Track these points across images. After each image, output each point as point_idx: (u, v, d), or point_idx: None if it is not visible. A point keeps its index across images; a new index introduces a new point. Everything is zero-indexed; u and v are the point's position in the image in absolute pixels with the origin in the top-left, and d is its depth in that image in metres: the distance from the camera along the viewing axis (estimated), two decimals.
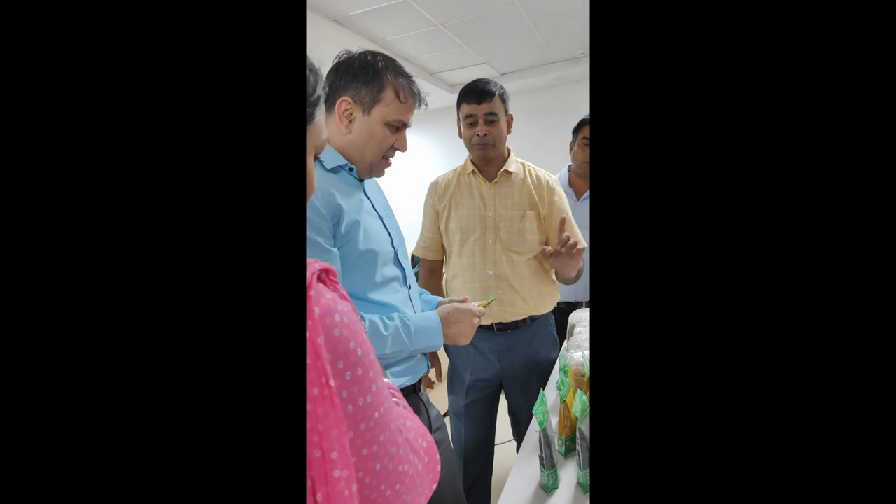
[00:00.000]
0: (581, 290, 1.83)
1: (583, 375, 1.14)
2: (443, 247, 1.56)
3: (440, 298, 1.18)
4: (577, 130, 1.89)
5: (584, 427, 0.89)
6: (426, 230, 1.57)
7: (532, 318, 1.48)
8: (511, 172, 1.47)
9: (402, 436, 0.48)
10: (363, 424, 0.43)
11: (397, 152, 1.02)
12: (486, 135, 1.40)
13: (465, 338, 1.02)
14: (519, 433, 1.62)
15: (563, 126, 3.48)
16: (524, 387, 1.49)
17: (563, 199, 1.53)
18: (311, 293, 0.40)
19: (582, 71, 4.06)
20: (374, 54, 0.98)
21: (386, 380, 0.53)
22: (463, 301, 1.10)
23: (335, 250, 0.91)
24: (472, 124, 1.42)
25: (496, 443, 1.62)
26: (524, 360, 1.49)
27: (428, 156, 5.02)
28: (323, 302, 0.41)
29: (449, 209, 1.49)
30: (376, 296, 0.97)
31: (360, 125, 0.97)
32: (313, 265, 0.42)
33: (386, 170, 1.03)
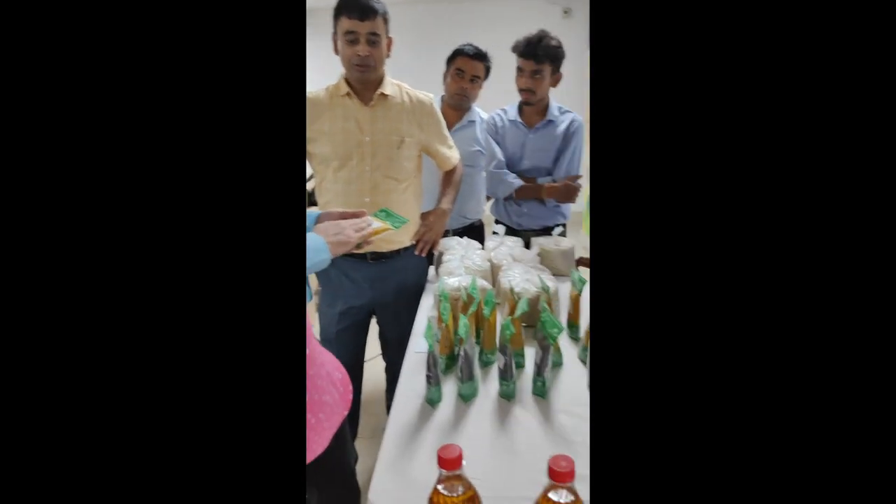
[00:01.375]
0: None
1: (457, 299, 1.24)
2: None
3: (319, 212, 1.13)
4: (450, 60, 1.88)
5: (468, 347, 0.99)
6: None
7: (405, 249, 1.53)
8: (387, 95, 1.42)
9: (325, 369, 0.50)
10: None
11: None
12: (367, 56, 1.33)
13: (345, 246, 0.99)
14: (388, 355, 1.71)
15: (423, 48, 3.40)
16: (395, 312, 1.56)
17: (440, 121, 1.55)
18: None
19: None
20: None
21: None
22: (360, 215, 1.07)
23: None
24: (353, 42, 1.32)
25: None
26: (396, 288, 1.54)
27: None
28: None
29: (320, 132, 1.40)
30: None
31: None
32: None
33: None
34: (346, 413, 0.58)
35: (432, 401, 1.00)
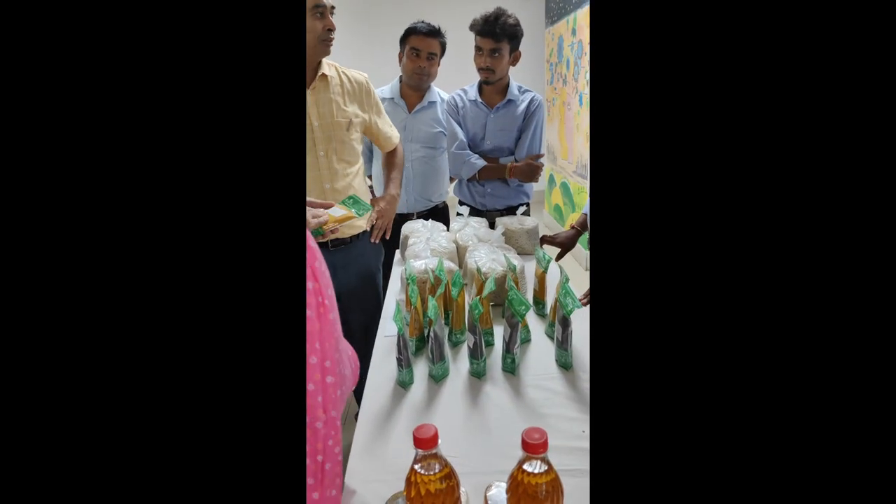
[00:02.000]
0: (412, 201, 1.91)
1: (425, 282, 1.24)
2: None
3: None
4: (404, 40, 1.85)
5: (438, 328, 0.99)
6: None
7: (364, 233, 1.51)
8: (327, 76, 1.38)
9: (342, 344, 0.52)
10: (331, 339, 0.46)
11: None
12: (332, 29, 1.28)
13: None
14: (354, 343, 1.70)
15: (392, 32, 3.31)
16: (360, 298, 1.54)
17: (379, 101, 1.53)
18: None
19: None
20: None
21: None
22: (328, 206, 1.06)
23: None
24: (319, 16, 1.26)
25: None
26: (359, 273, 1.53)
27: None
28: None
29: None
30: None
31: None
32: None
33: None
34: (353, 387, 0.62)
35: (404, 383, 1.00)
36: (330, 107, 1.37)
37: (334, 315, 0.46)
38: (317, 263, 0.42)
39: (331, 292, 0.45)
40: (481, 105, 1.80)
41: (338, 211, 1.13)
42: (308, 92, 1.35)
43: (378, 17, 4.15)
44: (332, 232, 1.11)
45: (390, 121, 1.60)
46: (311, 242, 0.42)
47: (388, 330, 1.24)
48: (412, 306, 1.12)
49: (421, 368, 1.06)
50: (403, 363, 0.99)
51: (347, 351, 0.54)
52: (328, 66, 1.39)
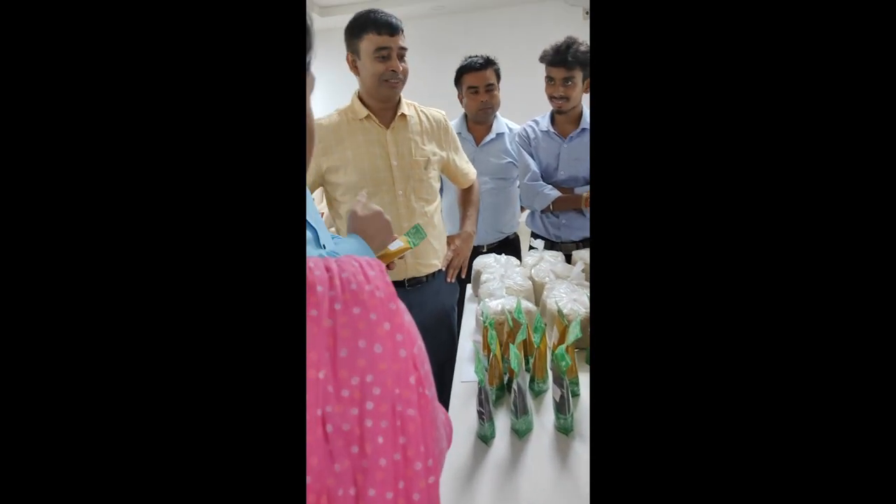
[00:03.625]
0: (483, 233, 1.87)
1: (502, 324, 1.19)
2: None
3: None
4: (458, 80, 1.85)
5: (521, 379, 0.93)
6: None
7: (439, 271, 1.49)
8: (406, 116, 1.39)
9: (441, 412, 0.47)
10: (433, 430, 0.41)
11: None
12: (395, 71, 1.30)
13: (385, 232, 0.98)
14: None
15: (437, 61, 3.38)
16: (435, 337, 1.51)
17: (456, 138, 1.53)
18: (396, 306, 0.37)
19: (458, 2, 3.94)
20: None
21: None
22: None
23: None
24: (386, 58, 1.29)
25: None
26: (434, 312, 1.50)
27: None
28: (407, 319, 0.38)
29: (343, 159, 1.36)
30: None
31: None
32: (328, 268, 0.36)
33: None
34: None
35: (486, 437, 0.95)
36: (408, 146, 1.38)
37: (431, 392, 0.41)
38: (416, 349, 0.37)
39: (427, 368, 0.40)
40: (554, 135, 1.75)
41: (396, 244, 1.11)
42: (388, 132, 1.36)
43: (446, 43, 4.24)
44: (391, 266, 1.09)
45: (467, 157, 1.59)
46: (407, 322, 0.37)
47: (464, 374, 1.19)
48: (491, 352, 1.07)
49: (502, 419, 1.00)
50: (485, 416, 0.94)
51: (441, 416, 0.48)
52: (407, 105, 1.41)
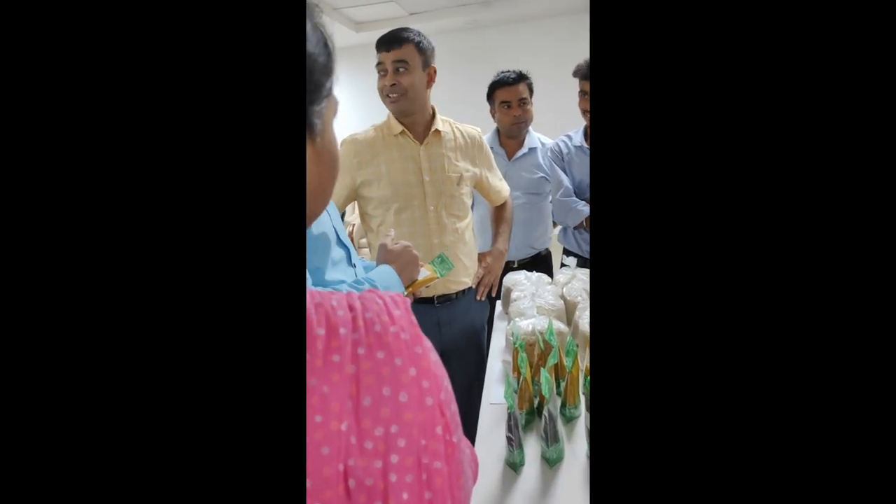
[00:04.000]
0: (514, 249, 1.85)
1: (533, 345, 1.16)
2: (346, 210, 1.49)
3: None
4: (491, 95, 1.85)
5: (552, 406, 0.90)
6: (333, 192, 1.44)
7: (469, 288, 1.47)
8: (440, 132, 1.39)
9: (469, 449, 0.45)
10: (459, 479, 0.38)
11: None
12: (393, 84, 1.29)
13: (413, 266, 1.03)
14: (457, 402, 1.64)
15: (472, 75, 3.40)
16: (464, 356, 1.49)
17: (491, 155, 1.52)
18: (422, 349, 0.34)
19: (492, 16, 3.95)
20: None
21: None
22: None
23: None
24: (383, 74, 1.32)
25: None
26: (464, 330, 1.48)
27: None
28: (433, 359, 0.35)
29: (376, 174, 1.37)
30: (331, 276, 0.90)
31: None
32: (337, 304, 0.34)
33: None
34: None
35: (515, 465, 0.91)
36: (441, 161, 1.37)
37: (458, 437, 0.38)
38: (442, 396, 0.34)
39: (454, 408, 0.38)
40: (587, 150, 1.72)
41: (423, 273, 1.10)
42: (422, 147, 1.37)
43: (480, 57, 4.25)
44: (416, 294, 1.08)
45: (501, 175, 1.57)
46: (434, 362, 0.35)
47: (493, 396, 1.16)
48: (521, 375, 1.04)
49: (532, 446, 0.97)
50: (514, 443, 0.90)
51: (467, 453, 0.46)
52: (442, 121, 1.41)
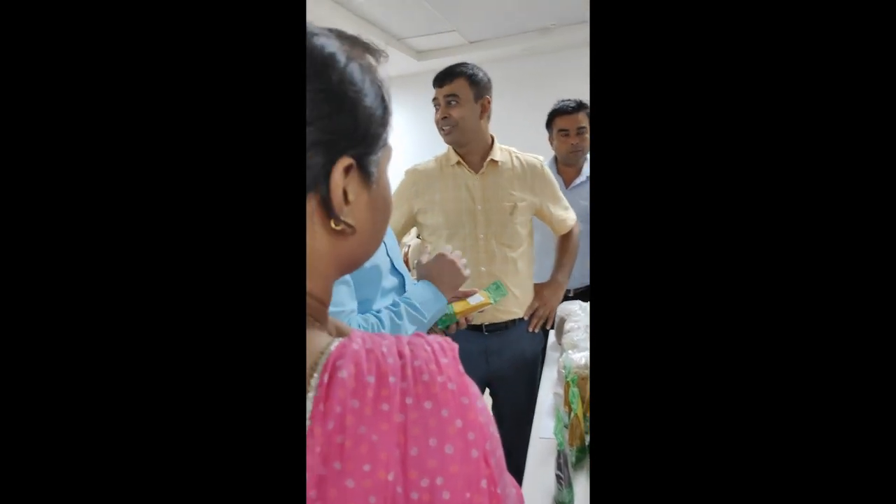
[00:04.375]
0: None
1: (586, 379, 1.13)
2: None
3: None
4: (549, 124, 1.85)
5: None
6: (393, 219, 1.47)
7: (521, 319, 1.45)
8: (497, 162, 1.40)
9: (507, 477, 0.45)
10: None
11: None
12: (445, 118, 1.33)
13: (457, 278, 1.00)
14: (503, 432, 1.61)
15: (530, 101, 3.42)
16: (512, 386, 1.47)
17: (553, 183, 1.50)
18: (468, 399, 0.34)
19: (550, 42, 3.97)
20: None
21: None
22: (469, 294, 1.06)
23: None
24: (436, 108, 1.36)
25: None
26: (513, 361, 1.46)
27: (395, 126, 4.83)
28: (479, 406, 0.35)
29: (431, 202, 1.40)
30: (380, 305, 0.93)
31: None
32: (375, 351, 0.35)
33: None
34: None
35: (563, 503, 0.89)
36: (496, 191, 1.39)
37: (503, 488, 0.38)
38: (484, 451, 0.34)
39: (500, 454, 0.38)
40: None
41: (476, 298, 1.10)
42: (477, 177, 1.39)
43: (537, 84, 4.28)
44: (468, 319, 1.08)
45: (567, 203, 1.55)
46: (474, 393, 0.35)
47: (543, 430, 1.14)
48: (572, 411, 1.01)
49: (583, 484, 0.94)
50: (563, 482, 0.88)
51: (512, 494, 0.45)
52: (500, 151, 1.42)
